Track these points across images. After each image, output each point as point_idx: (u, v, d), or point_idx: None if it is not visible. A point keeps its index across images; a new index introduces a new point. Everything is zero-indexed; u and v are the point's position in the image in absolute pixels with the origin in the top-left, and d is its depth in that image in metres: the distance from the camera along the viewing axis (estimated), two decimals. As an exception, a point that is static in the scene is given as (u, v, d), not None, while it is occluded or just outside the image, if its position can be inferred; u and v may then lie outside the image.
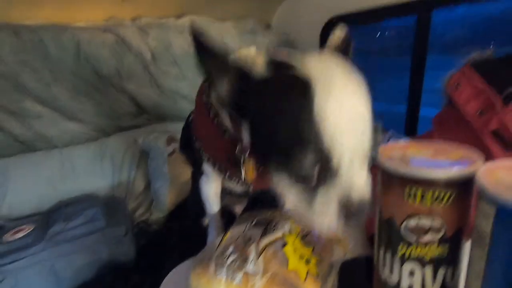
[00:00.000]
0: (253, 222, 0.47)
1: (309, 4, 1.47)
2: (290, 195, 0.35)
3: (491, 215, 0.23)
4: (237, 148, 0.46)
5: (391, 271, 0.31)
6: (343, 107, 0.30)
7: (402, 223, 0.29)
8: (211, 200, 0.64)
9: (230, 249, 0.40)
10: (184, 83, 1.10)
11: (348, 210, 0.31)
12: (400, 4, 1.12)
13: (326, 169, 0.30)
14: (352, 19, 1.28)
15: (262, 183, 0.51)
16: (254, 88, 0.34)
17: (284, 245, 0.41)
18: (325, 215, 0.32)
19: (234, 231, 0.46)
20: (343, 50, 0.40)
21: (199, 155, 0.55)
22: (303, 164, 0.31)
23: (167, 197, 1.06)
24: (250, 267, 0.37)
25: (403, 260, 0.30)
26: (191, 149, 0.59)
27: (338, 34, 0.41)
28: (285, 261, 0.39)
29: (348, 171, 0.30)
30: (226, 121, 0.47)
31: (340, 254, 0.49)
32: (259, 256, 0.39)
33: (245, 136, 0.41)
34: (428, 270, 0.29)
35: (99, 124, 1.11)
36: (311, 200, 0.33)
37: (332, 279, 0.46)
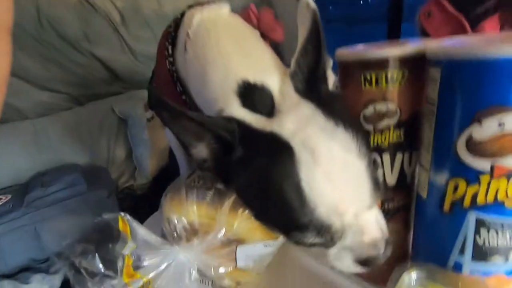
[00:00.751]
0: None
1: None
2: None
3: (438, 79, 0.23)
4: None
5: (354, 168, 0.32)
6: (333, 173, 0.25)
7: (360, 113, 0.29)
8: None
9: (202, 174, 0.40)
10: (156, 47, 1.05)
11: (367, 255, 0.27)
12: None
13: (331, 235, 0.26)
14: None
15: None
16: (236, 160, 0.27)
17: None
18: (343, 264, 0.28)
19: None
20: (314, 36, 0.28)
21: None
22: (303, 242, 0.27)
23: (150, 163, 1.05)
24: (220, 185, 0.38)
25: (364, 153, 0.31)
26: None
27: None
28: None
29: (354, 225, 0.26)
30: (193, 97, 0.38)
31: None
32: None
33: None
34: (386, 157, 0.30)
35: (71, 93, 1.07)
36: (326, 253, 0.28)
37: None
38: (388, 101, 0.28)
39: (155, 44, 0.45)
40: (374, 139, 0.29)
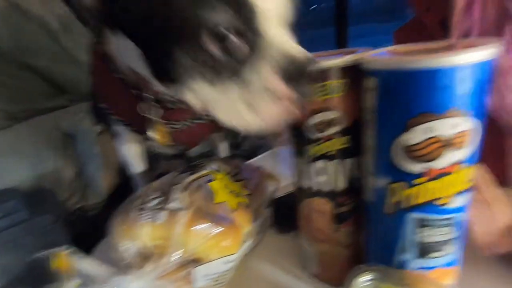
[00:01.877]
0: (182, 170, 0.45)
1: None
2: (213, 101, 0.27)
3: (373, 88, 0.25)
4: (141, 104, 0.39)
5: (305, 175, 0.33)
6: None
7: (307, 123, 0.30)
8: (133, 160, 0.57)
9: (154, 194, 0.38)
10: (105, 54, 1.00)
11: (290, 72, 0.23)
12: None
13: (249, 37, 0.23)
14: None
15: (184, 139, 0.48)
16: None
17: (211, 180, 0.40)
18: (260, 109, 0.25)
19: (161, 180, 0.44)
20: None
21: (106, 115, 0.48)
22: (219, 30, 0.23)
23: (103, 180, 0.99)
24: (173, 204, 0.36)
25: (312, 161, 0.31)
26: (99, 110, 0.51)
27: None
28: (212, 195, 0.39)
29: (276, 33, 0.22)
30: (124, 67, 0.39)
31: (272, 189, 0.51)
32: (183, 192, 0.37)
33: (142, 70, 0.33)
34: (335, 164, 0.30)
35: (7, 109, 0.97)
36: (242, 90, 0.25)
37: (265, 214, 0.47)
38: (332, 110, 0.29)
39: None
40: (321, 147, 0.30)
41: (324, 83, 0.28)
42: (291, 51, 0.24)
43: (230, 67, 0.25)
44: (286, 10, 0.25)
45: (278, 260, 0.41)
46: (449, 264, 0.27)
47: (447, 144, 0.22)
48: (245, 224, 0.40)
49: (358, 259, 0.33)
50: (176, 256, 0.33)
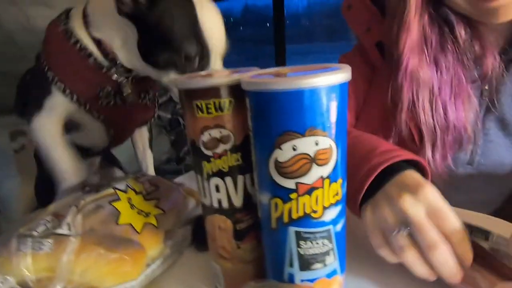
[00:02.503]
0: (86, 189, 0.42)
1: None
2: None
3: (249, 108, 0.25)
4: (113, 70, 0.55)
5: (205, 193, 0.32)
6: (212, 19, 0.50)
7: (199, 141, 0.30)
8: (57, 142, 0.56)
9: (44, 219, 0.35)
10: (24, 64, 0.91)
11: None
12: None
13: (203, 59, 0.50)
14: None
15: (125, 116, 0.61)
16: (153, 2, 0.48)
17: (114, 200, 0.38)
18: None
19: (61, 201, 0.40)
20: None
21: (41, 89, 0.56)
22: (190, 54, 0.49)
23: (20, 201, 0.88)
24: (63, 229, 0.33)
25: (208, 178, 0.31)
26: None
27: None
28: (114, 216, 0.37)
29: (215, 61, 0.51)
30: (91, 46, 0.54)
31: (193, 205, 0.50)
32: (77, 215, 0.35)
33: (121, 54, 0.54)
34: (229, 181, 0.31)
35: None
36: None
37: (183, 231, 0.46)
38: (221, 128, 0.29)
39: (20, 60, 0.56)
40: (215, 164, 0.30)
41: (214, 100, 0.28)
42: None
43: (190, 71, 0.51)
44: (223, 50, 0.53)
45: (193, 280, 0.40)
46: (330, 275, 0.28)
47: (312, 160, 0.23)
48: (152, 246, 0.38)
49: (262, 275, 0.33)
50: (60, 287, 0.30)
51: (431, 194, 0.30)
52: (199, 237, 0.47)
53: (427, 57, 0.47)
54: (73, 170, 0.57)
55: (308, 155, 0.23)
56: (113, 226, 0.36)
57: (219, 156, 0.30)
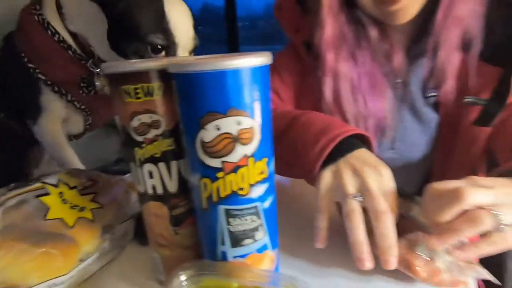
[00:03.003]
0: (10, 186, 0.39)
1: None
2: None
3: (176, 90, 0.26)
4: (89, 63, 0.58)
5: (139, 180, 0.32)
6: (180, 14, 0.52)
7: (129, 126, 0.30)
8: (62, 141, 0.61)
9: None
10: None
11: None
12: None
13: (169, 53, 0.51)
14: None
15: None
16: None
17: (42, 195, 0.36)
18: None
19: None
20: None
21: (29, 87, 0.59)
22: (156, 46, 0.50)
23: None
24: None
25: (141, 164, 0.31)
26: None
27: None
28: (41, 211, 0.34)
29: (182, 55, 0.53)
30: (68, 38, 0.56)
31: (137, 200, 0.48)
32: (-4, 211, 0.32)
33: (96, 47, 0.56)
34: (162, 166, 0.31)
35: None
36: None
37: (125, 226, 0.45)
38: (151, 113, 0.29)
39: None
40: (147, 150, 0.30)
41: (142, 84, 0.28)
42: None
43: None
44: (191, 45, 0.56)
45: (134, 275, 0.39)
46: (261, 250, 0.30)
47: (235, 140, 0.25)
48: (86, 241, 0.37)
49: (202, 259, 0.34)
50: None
51: (387, 173, 0.35)
52: (141, 231, 0.47)
53: (346, 52, 0.52)
54: (77, 164, 0.63)
55: (231, 134, 0.25)
56: (40, 221, 0.34)
57: (151, 142, 0.30)
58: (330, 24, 0.51)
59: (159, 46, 0.51)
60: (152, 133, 0.30)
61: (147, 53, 0.51)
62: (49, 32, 0.56)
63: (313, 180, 0.39)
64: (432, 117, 0.55)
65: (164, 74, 0.28)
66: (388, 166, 0.57)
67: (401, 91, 0.55)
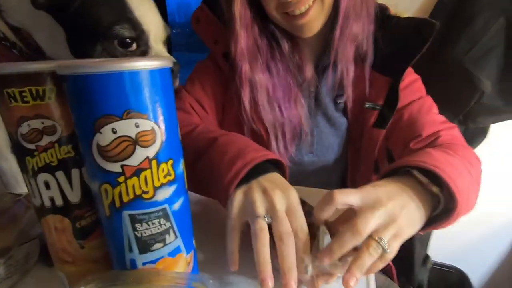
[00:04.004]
0: None
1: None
2: None
3: (67, 93, 0.25)
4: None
5: (33, 192, 0.29)
6: (144, 3, 0.48)
7: (17, 133, 0.27)
8: (3, 151, 0.49)
9: None
10: None
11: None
12: None
13: (140, 45, 0.48)
14: None
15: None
16: None
17: None
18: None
19: None
20: None
21: None
22: (124, 39, 0.46)
23: None
24: None
25: (35, 175, 0.28)
26: None
27: None
28: None
29: (156, 45, 0.49)
30: (10, 35, 0.48)
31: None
32: None
33: (47, 47, 0.49)
34: (61, 175, 0.29)
35: None
36: None
37: (27, 247, 0.40)
38: (43, 118, 0.27)
39: None
40: (40, 158, 0.28)
41: (30, 87, 0.26)
42: (165, 55, 0.49)
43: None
44: (163, 34, 0.53)
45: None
46: (173, 253, 0.29)
47: (134, 142, 0.25)
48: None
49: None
50: None
51: (294, 196, 0.36)
52: (47, 251, 0.42)
53: (261, 63, 0.56)
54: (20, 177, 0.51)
55: (130, 137, 0.24)
56: None
57: (44, 149, 0.28)
58: (244, 37, 0.54)
59: (127, 40, 0.45)
60: (46, 140, 0.27)
61: (116, 49, 0.45)
62: None
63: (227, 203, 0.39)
64: (342, 121, 0.62)
65: (56, 75, 0.27)
66: (310, 168, 0.63)
67: (314, 99, 0.61)
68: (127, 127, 0.24)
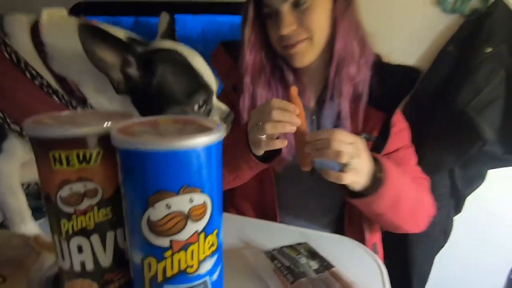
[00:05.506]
0: None
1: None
2: None
3: (119, 163, 0.24)
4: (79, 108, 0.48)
5: (63, 256, 0.27)
6: (201, 62, 0.50)
7: (56, 195, 0.26)
8: (15, 188, 0.47)
9: None
10: None
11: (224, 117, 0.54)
12: (144, 3, 1.18)
13: (207, 101, 0.50)
14: (101, 8, 1.23)
15: None
16: (146, 61, 0.45)
17: None
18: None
19: None
20: (170, 34, 0.54)
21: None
22: (200, 103, 0.49)
23: None
24: None
25: (68, 238, 0.27)
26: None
27: (162, 21, 0.54)
28: None
29: (215, 100, 0.53)
30: (53, 82, 0.46)
31: (52, 262, 0.41)
32: None
33: (93, 97, 0.47)
34: (96, 239, 0.27)
35: None
36: None
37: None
38: (86, 181, 0.26)
39: None
40: (77, 222, 0.26)
41: (78, 151, 0.25)
42: (222, 107, 0.54)
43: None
44: (216, 87, 0.53)
45: None
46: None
47: (187, 217, 0.24)
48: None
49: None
50: None
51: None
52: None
53: (263, 79, 0.66)
54: (26, 216, 0.49)
55: (183, 212, 0.23)
56: None
57: (83, 213, 0.26)
58: (249, 55, 0.65)
59: (201, 102, 0.49)
60: (86, 203, 0.26)
61: (193, 111, 0.48)
62: (26, 74, 0.44)
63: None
64: None
65: (104, 139, 0.26)
66: (311, 190, 0.72)
67: (316, 124, 0.70)
68: (181, 203, 0.23)
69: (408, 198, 0.60)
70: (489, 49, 0.83)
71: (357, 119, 0.66)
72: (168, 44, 0.49)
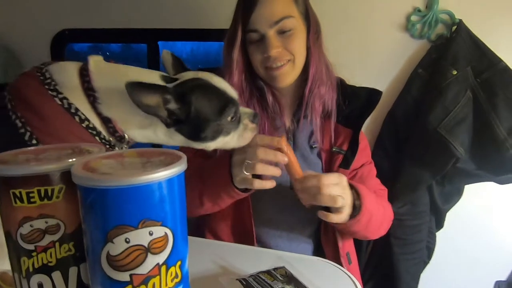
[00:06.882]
0: None
1: (36, 14, 1.28)
2: (227, 144, 0.57)
3: (80, 199, 0.24)
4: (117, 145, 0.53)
5: (24, 293, 0.27)
6: (220, 79, 0.55)
7: (16, 233, 0.26)
8: None
9: None
10: None
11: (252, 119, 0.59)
12: (129, 30, 1.21)
13: (236, 111, 0.55)
14: (86, 35, 1.25)
15: None
16: (182, 96, 0.50)
17: None
18: (246, 138, 0.58)
19: None
20: (181, 66, 0.59)
21: None
22: (233, 115, 0.54)
23: None
24: None
25: (28, 276, 0.26)
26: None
27: (166, 57, 0.58)
28: None
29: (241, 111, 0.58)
30: (98, 124, 0.51)
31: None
32: None
33: (134, 134, 0.53)
34: (57, 275, 0.27)
35: None
36: (238, 135, 0.57)
37: None
38: (47, 217, 0.26)
39: None
40: (38, 259, 0.26)
41: (39, 188, 0.25)
42: (247, 111, 0.60)
43: (234, 127, 0.57)
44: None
45: None
46: None
47: (147, 250, 0.24)
48: None
49: None
50: None
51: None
52: None
53: (242, 100, 0.71)
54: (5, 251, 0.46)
55: (142, 245, 0.24)
56: None
57: (44, 250, 0.26)
58: (234, 74, 0.71)
59: (233, 114, 0.54)
60: (47, 239, 0.26)
61: (228, 124, 0.54)
62: (77, 119, 0.49)
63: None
64: (316, 162, 0.76)
65: (66, 175, 0.26)
66: (290, 203, 0.75)
67: (292, 143, 0.75)
68: (140, 236, 0.23)
69: (378, 214, 0.70)
70: (455, 72, 0.89)
71: (329, 134, 0.76)
72: (190, 74, 0.54)
